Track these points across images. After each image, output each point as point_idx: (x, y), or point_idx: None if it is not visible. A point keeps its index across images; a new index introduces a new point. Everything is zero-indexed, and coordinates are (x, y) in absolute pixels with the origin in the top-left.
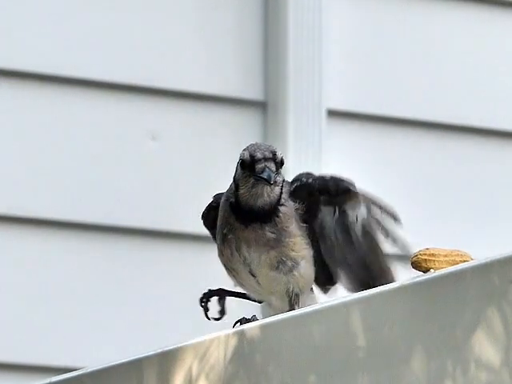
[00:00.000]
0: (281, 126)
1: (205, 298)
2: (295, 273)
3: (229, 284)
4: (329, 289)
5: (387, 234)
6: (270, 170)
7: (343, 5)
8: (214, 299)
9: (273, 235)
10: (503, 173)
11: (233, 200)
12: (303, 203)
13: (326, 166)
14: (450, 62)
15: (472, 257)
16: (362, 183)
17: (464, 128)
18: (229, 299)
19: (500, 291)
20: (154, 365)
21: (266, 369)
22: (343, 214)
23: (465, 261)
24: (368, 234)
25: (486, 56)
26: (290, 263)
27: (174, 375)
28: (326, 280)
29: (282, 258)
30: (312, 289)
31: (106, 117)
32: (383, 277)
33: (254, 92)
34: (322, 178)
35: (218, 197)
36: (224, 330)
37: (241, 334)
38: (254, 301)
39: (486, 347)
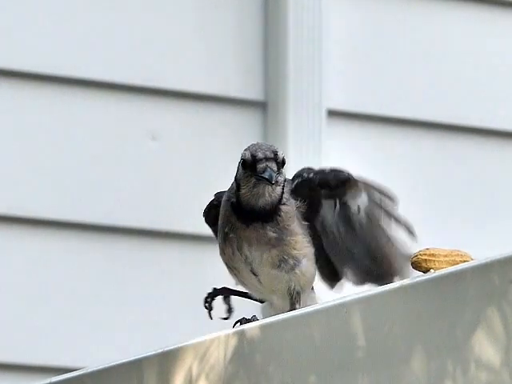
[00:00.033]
0: (281, 126)
1: (209, 298)
2: (297, 271)
3: (229, 284)
4: (336, 284)
5: (390, 215)
6: (271, 169)
7: (343, 5)
8: (218, 298)
9: (274, 234)
10: (503, 173)
11: (234, 200)
12: (305, 201)
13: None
14: (449, 62)
15: (472, 257)
16: None
17: (464, 128)
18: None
19: (500, 291)
20: (154, 365)
21: (266, 369)
22: (344, 206)
23: (465, 261)
24: (371, 220)
25: (486, 56)
26: (291, 261)
27: (174, 375)
28: (332, 275)
29: (283, 256)
30: (313, 288)
31: (106, 117)
32: (389, 264)
33: (254, 92)
34: (322, 172)
35: (219, 195)
36: (224, 330)
37: (241, 334)
38: (256, 300)
39: (486, 347)
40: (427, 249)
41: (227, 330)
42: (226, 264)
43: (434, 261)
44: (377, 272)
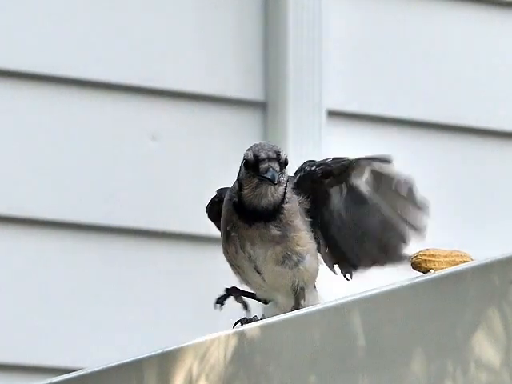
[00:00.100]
0: (281, 126)
1: (222, 299)
2: (301, 267)
3: (228, 284)
4: (351, 274)
5: (392, 179)
6: (273, 169)
7: (343, 5)
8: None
9: (278, 232)
10: (503, 173)
11: (236, 199)
12: (308, 196)
13: None
14: (449, 62)
15: (472, 257)
16: None
17: (464, 128)
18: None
19: (500, 292)
20: (154, 365)
21: (266, 369)
22: (351, 187)
23: (465, 261)
24: (379, 190)
25: (486, 56)
26: (295, 258)
27: (174, 376)
28: (347, 266)
29: (287, 252)
30: (315, 286)
31: (105, 117)
32: (400, 241)
33: (254, 92)
34: (324, 163)
35: (221, 192)
36: (224, 331)
37: (241, 335)
38: (262, 301)
39: (486, 348)
40: (427, 249)
41: (227, 330)
42: (230, 263)
43: (434, 261)
44: (387, 253)
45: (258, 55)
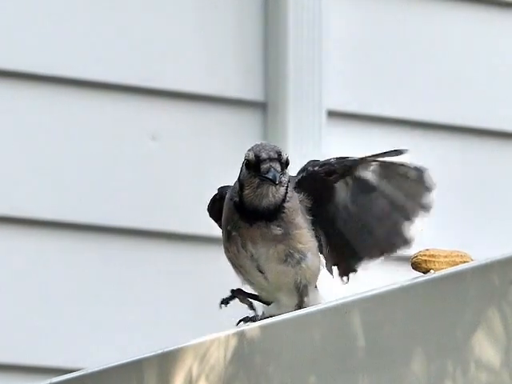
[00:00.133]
0: (281, 126)
1: (226, 301)
2: (303, 265)
3: (228, 284)
4: (348, 277)
5: (403, 165)
6: (275, 170)
7: (343, 5)
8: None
9: (279, 231)
10: (503, 173)
11: (237, 199)
12: (309, 194)
13: None
14: (449, 62)
15: (472, 257)
16: None
17: (464, 128)
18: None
19: (500, 292)
20: (154, 366)
21: (266, 369)
22: (357, 179)
23: (465, 261)
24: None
25: (486, 56)
26: (297, 255)
27: (174, 376)
28: (345, 268)
29: (289, 250)
30: (316, 286)
31: (105, 117)
32: (407, 220)
33: (253, 92)
34: (327, 163)
35: (222, 190)
36: (224, 331)
37: (241, 335)
38: (265, 303)
39: (486, 348)
40: (427, 249)
41: (227, 330)
42: (231, 263)
43: (434, 261)
44: (394, 234)
45: (258, 55)
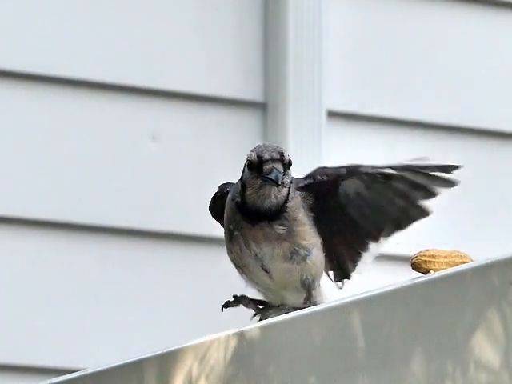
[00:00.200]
0: (281, 127)
1: (230, 305)
2: (308, 261)
3: (228, 284)
4: (343, 282)
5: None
6: (277, 171)
7: (343, 5)
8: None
9: (283, 230)
10: (503, 173)
11: (239, 200)
12: (312, 195)
13: None
14: (449, 62)
15: (472, 258)
16: None
17: (464, 128)
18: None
19: (500, 292)
20: (154, 366)
21: (266, 370)
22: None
23: (465, 262)
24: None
25: (486, 56)
26: (302, 252)
27: (174, 377)
28: (339, 273)
29: (294, 248)
30: (319, 284)
31: (105, 117)
32: (429, 197)
33: (253, 93)
34: (336, 174)
35: (223, 187)
36: (224, 331)
37: (241, 335)
38: (269, 307)
39: (485, 348)
40: (427, 250)
41: (227, 330)
42: (235, 263)
43: (434, 262)
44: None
45: (258, 55)
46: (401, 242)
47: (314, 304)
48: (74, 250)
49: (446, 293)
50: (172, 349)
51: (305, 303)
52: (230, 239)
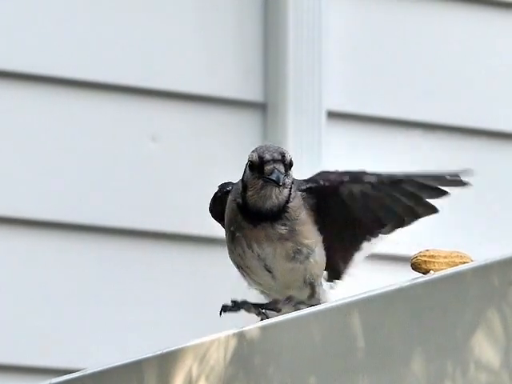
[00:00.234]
0: (280, 127)
1: (230, 310)
2: (311, 260)
3: (227, 284)
4: (335, 283)
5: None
6: (278, 171)
7: (343, 5)
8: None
9: (285, 230)
10: (503, 173)
11: (240, 201)
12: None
13: (326, 168)
14: (449, 63)
15: (472, 258)
16: None
17: (464, 128)
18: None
19: (500, 293)
20: (154, 366)
21: (266, 370)
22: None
23: (464, 262)
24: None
25: (486, 56)
26: (305, 251)
27: (174, 377)
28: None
29: (297, 247)
30: (321, 282)
31: (106, 118)
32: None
33: (253, 93)
34: (339, 181)
35: (223, 186)
36: (224, 331)
37: (240, 336)
38: (271, 309)
39: (485, 348)
40: (427, 250)
41: (227, 330)
42: (237, 264)
43: (434, 262)
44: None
45: (258, 55)
46: (401, 241)
47: (318, 301)
48: (74, 249)
49: (446, 293)
50: (172, 349)
51: (309, 300)
52: (232, 240)
